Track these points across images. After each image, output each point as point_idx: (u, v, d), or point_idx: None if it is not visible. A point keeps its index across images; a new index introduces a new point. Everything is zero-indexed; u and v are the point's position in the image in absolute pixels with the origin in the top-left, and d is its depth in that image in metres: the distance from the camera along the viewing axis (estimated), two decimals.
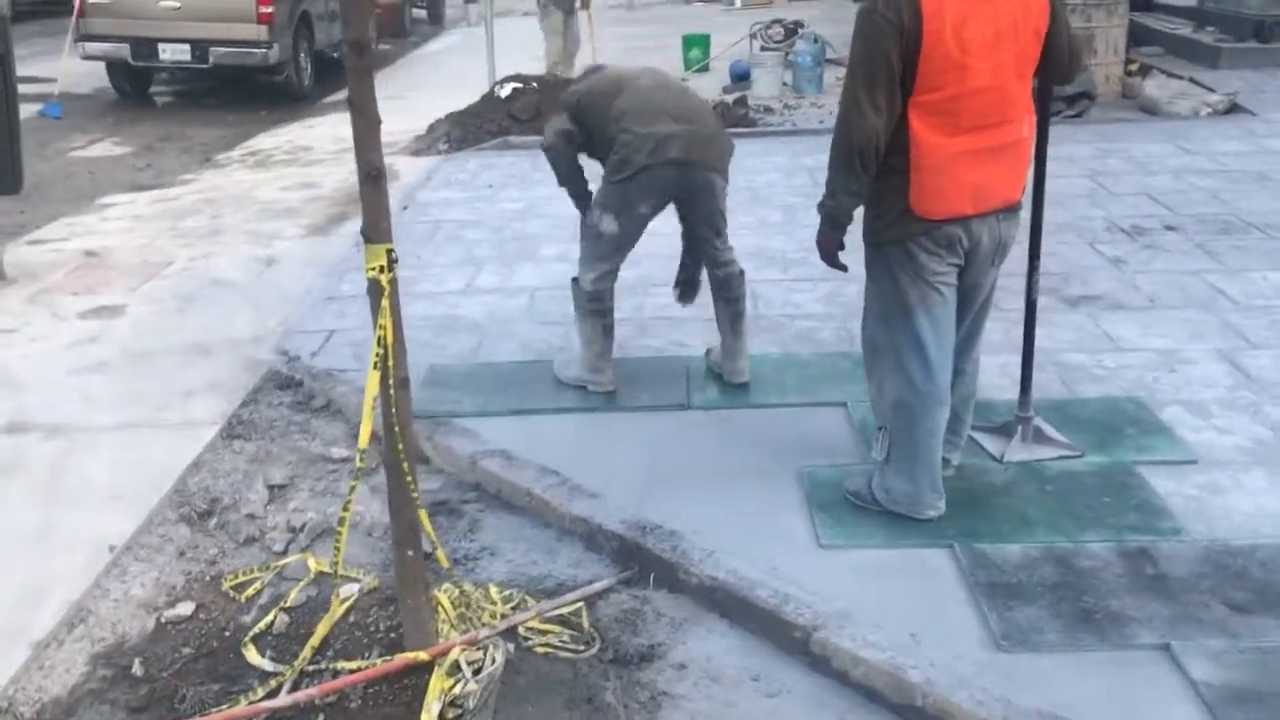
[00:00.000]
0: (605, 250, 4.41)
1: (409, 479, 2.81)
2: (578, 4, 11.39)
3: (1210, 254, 5.85)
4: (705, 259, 4.56)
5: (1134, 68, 10.33)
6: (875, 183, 3.29)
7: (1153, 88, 9.59)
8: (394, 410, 2.75)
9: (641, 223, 4.37)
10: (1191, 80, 10.02)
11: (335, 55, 13.27)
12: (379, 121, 2.61)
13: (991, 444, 3.94)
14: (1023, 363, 3.96)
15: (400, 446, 2.77)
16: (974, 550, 3.36)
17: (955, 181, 3.22)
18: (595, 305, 4.48)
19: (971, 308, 3.53)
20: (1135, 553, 3.33)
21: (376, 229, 2.64)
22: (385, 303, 2.66)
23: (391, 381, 2.73)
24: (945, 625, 3.08)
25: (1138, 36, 11.46)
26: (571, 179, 4.64)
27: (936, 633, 3.04)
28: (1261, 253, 5.84)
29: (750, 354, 4.79)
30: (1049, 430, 3.96)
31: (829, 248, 3.45)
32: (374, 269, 2.64)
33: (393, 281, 2.68)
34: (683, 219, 4.50)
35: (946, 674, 2.87)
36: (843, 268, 3.50)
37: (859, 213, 3.38)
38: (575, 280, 4.53)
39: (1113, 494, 3.63)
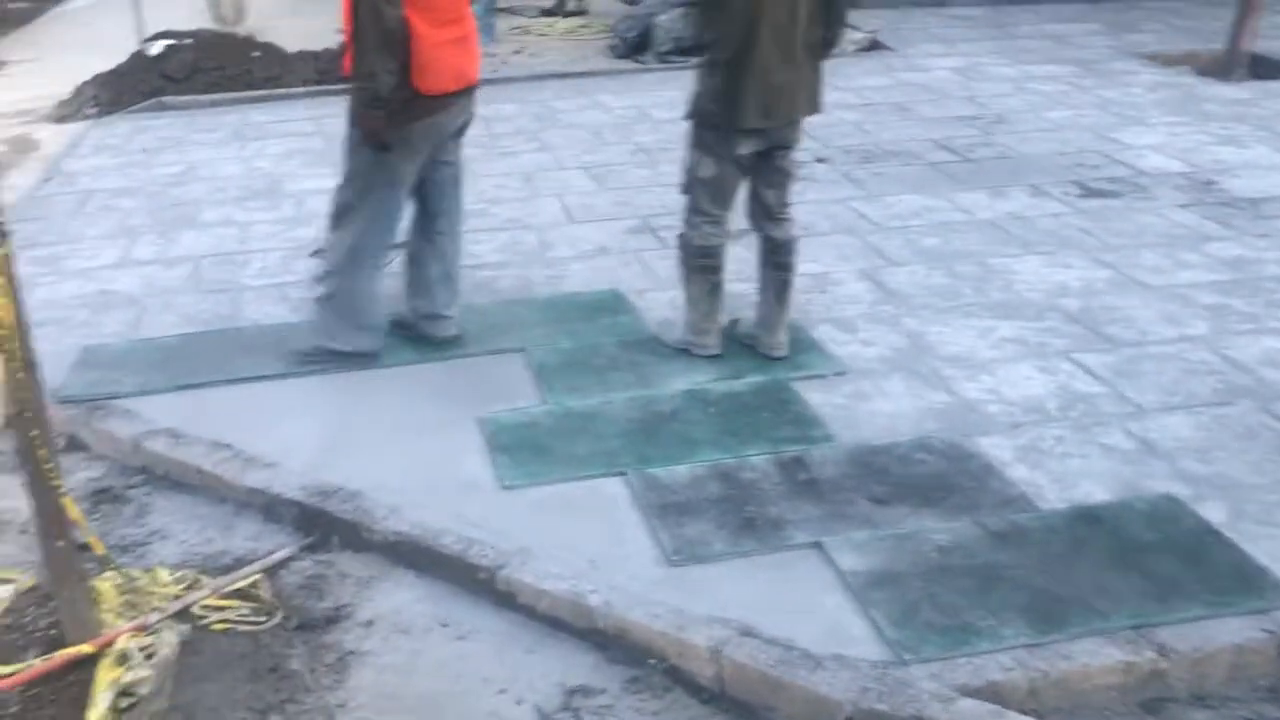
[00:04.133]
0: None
1: (48, 467, 2.63)
2: None
3: (855, 182, 6.32)
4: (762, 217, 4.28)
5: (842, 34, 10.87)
6: None
7: None
8: (22, 396, 2.56)
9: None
10: None
11: None
12: None
13: None
14: None
15: (34, 434, 2.59)
16: (646, 475, 3.53)
17: (444, 64, 3.99)
18: (704, 262, 4.17)
19: (447, 178, 4.33)
20: (791, 461, 3.59)
21: None
22: (1, 280, 2.47)
23: (16, 365, 2.54)
24: (621, 548, 3.22)
25: None
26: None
27: (613, 556, 3.18)
28: (898, 178, 6.36)
29: None
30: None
31: (375, 126, 3.92)
32: None
33: (7, 257, 2.49)
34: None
35: (623, 594, 3.01)
36: (387, 146, 3.98)
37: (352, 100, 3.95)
38: (681, 235, 4.25)
39: (770, 410, 3.89)
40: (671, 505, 3.37)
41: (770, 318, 4.28)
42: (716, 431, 3.77)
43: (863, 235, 5.50)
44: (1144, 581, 2.99)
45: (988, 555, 3.12)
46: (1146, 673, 2.74)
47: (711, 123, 3.97)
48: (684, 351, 4.28)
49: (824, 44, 4.02)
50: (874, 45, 9.84)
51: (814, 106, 4.08)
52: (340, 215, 4.22)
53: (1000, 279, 4.95)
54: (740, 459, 3.61)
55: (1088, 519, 3.27)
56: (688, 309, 4.28)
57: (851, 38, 9.89)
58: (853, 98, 8.22)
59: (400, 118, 3.96)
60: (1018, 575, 3.04)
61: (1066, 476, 3.50)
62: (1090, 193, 6.03)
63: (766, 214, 4.23)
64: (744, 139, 3.97)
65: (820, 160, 6.74)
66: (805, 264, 5.13)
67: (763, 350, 4.28)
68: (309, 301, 4.53)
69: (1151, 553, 3.11)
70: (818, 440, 3.71)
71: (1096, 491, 3.42)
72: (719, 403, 3.95)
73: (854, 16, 10.75)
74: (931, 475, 3.51)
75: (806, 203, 5.98)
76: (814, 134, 7.26)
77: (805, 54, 3.96)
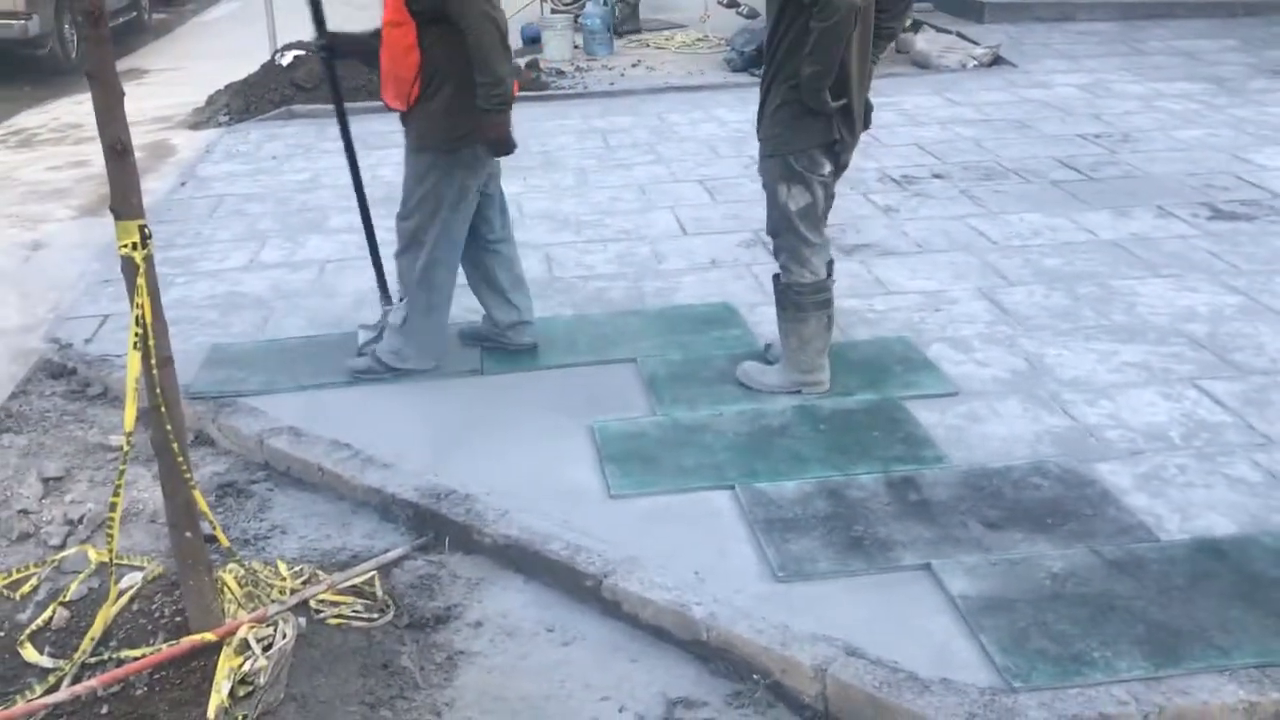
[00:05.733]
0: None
1: (180, 460, 2.75)
2: None
3: (973, 199, 6.22)
4: None
5: (906, 23, 10.79)
6: (456, 99, 3.97)
7: (923, 42, 10.05)
8: (158, 390, 2.68)
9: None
10: (959, 35, 10.56)
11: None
12: (121, 93, 2.53)
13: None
14: (373, 260, 4.75)
15: (169, 427, 2.71)
16: (753, 489, 3.52)
17: None
18: (822, 296, 4.05)
19: (494, 187, 4.38)
20: (901, 481, 3.55)
21: (126, 204, 2.56)
22: (141, 281, 2.59)
23: (154, 361, 2.66)
24: (727, 562, 3.22)
25: None
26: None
27: (719, 570, 3.19)
28: (1019, 196, 6.25)
29: (544, 315, 4.87)
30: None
31: (506, 131, 4.03)
32: (126, 246, 2.56)
33: (148, 258, 2.61)
34: None
35: (728, 608, 3.01)
36: (513, 147, 4.10)
37: (422, 127, 4.09)
38: (777, 277, 4.11)
39: (881, 428, 3.86)
40: (778, 521, 3.36)
41: None
42: (826, 448, 3.75)
43: (981, 254, 5.41)
44: (1271, 619, 2.88)
45: (1103, 584, 3.04)
46: (1271, 714, 2.64)
47: (800, 147, 3.88)
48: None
49: (886, 36, 3.99)
50: (996, 60, 9.69)
51: (869, 119, 4.08)
52: (411, 242, 4.24)
53: (1123, 302, 4.82)
54: (849, 477, 3.58)
55: (1211, 551, 3.17)
56: (799, 351, 4.08)
57: (972, 52, 9.77)
58: (972, 113, 8.11)
59: (468, 139, 4.04)
60: (1135, 606, 2.96)
61: (1189, 507, 3.39)
62: (1221, 215, 5.83)
63: None
64: (827, 159, 3.91)
65: (937, 176, 6.65)
66: (920, 281, 5.10)
67: None
68: (381, 327, 4.53)
69: (1279, 590, 2.99)
70: (929, 461, 3.66)
71: (1221, 524, 3.30)
72: (829, 419, 3.93)
73: (976, 32, 10.65)
74: (1047, 501, 3.43)
75: (921, 219, 5.93)
76: (931, 149, 7.20)
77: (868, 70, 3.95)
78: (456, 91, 3.98)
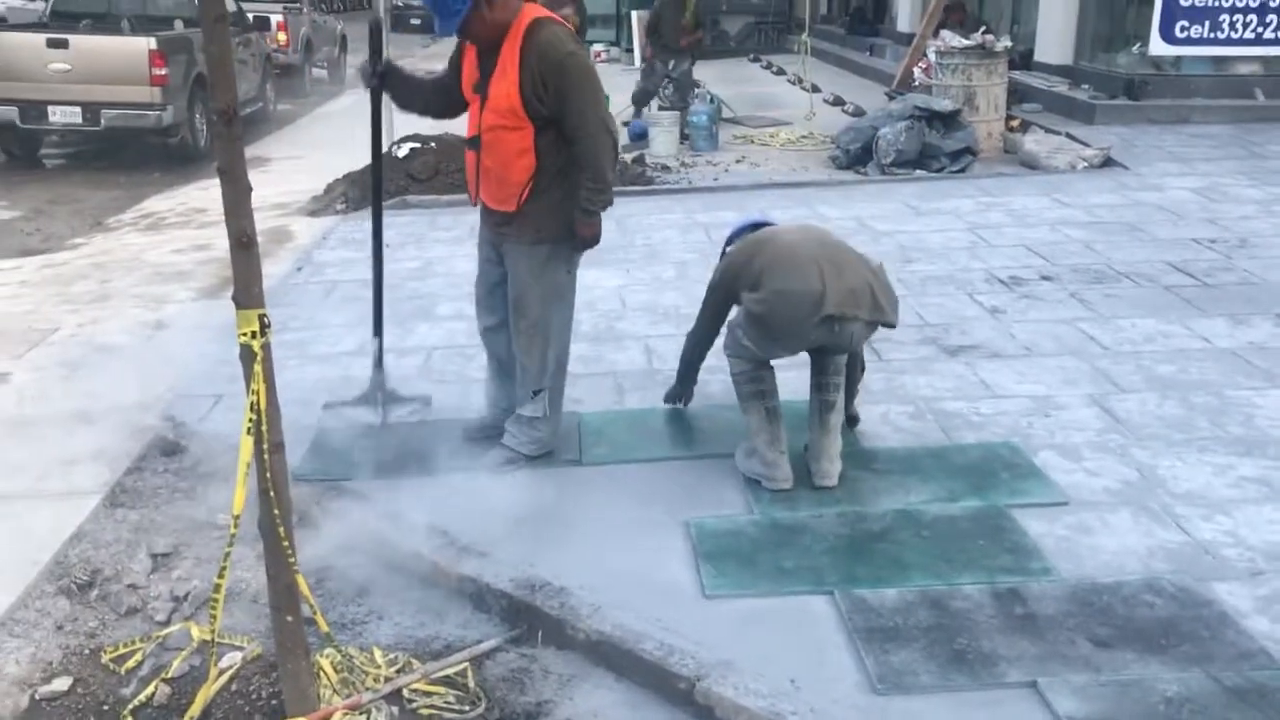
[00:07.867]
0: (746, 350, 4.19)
1: (285, 544, 2.80)
2: None
3: (1083, 302, 6.11)
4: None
5: (1014, 124, 10.77)
6: (568, 193, 4.13)
7: (1031, 143, 9.99)
8: (268, 475, 2.74)
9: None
10: (1068, 135, 10.48)
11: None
12: (249, 188, 2.63)
13: (364, 416, 4.80)
14: (375, 334, 4.82)
15: (276, 511, 2.76)
16: (853, 596, 3.45)
17: None
18: (754, 386, 4.18)
19: None
20: (1006, 593, 3.44)
21: (248, 294, 2.65)
22: (258, 368, 2.67)
23: (266, 446, 2.72)
24: (824, 670, 3.15)
25: (1018, 94, 11.98)
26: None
27: (816, 678, 3.11)
28: (1131, 300, 6.11)
29: (643, 408, 4.88)
30: (400, 391, 4.90)
31: (599, 230, 4.24)
32: (246, 334, 2.65)
33: (265, 346, 2.69)
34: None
35: (824, 719, 2.93)
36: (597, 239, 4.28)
37: (541, 221, 4.18)
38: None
39: (986, 537, 3.76)
40: (878, 630, 3.28)
41: (816, 443, 4.20)
42: (929, 556, 3.66)
43: (1091, 359, 5.29)
44: None
45: (1222, 712, 2.89)
46: None
47: (734, 341, 4.20)
48: (757, 481, 4.18)
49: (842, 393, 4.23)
50: (1107, 162, 9.57)
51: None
52: (537, 334, 4.31)
53: (1240, 413, 4.66)
54: (952, 586, 3.49)
55: None
56: (751, 440, 4.20)
57: (1082, 154, 9.67)
58: (1082, 215, 8.00)
59: (567, 233, 4.23)
60: None
61: None
62: None
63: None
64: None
65: (1046, 278, 6.56)
66: (1028, 385, 5.00)
67: (813, 479, 4.15)
68: (516, 423, 4.52)
69: None
70: (1036, 573, 3.55)
71: None
72: (932, 525, 3.84)
73: (1086, 133, 10.56)
74: (1160, 620, 3.29)
75: (1029, 321, 5.83)
76: (1039, 251, 7.11)
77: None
78: (567, 187, 4.14)
